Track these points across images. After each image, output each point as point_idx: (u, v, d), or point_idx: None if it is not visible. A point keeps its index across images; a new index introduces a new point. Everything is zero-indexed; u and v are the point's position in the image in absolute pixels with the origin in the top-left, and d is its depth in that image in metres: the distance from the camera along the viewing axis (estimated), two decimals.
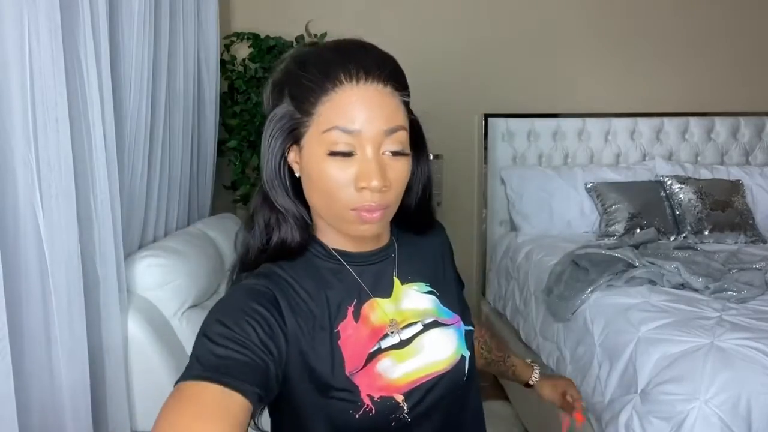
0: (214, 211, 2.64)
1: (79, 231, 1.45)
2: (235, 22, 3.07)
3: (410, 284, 0.90)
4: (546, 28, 3.30)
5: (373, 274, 0.86)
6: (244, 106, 2.74)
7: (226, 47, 2.87)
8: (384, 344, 0.82)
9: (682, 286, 2.12)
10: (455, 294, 0.96)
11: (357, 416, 0.77)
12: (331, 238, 0.85)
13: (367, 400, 0.77)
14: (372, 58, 0.76)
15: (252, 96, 2.75)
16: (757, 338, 1.68)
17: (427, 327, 0.86)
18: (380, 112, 0.74)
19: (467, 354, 0.88)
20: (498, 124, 3.25)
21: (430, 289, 0.91)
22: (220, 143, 2.71)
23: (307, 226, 0.85)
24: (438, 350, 0.85)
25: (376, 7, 3.13)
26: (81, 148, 1.50)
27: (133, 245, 1.91)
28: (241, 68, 2.89)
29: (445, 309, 0.90)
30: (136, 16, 1.80)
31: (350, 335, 0.81)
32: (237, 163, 2.79)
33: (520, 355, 2.60)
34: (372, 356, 0.80)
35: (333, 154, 0.74)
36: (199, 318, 1.87)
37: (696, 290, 2.08)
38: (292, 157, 0.80)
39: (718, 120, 3.36)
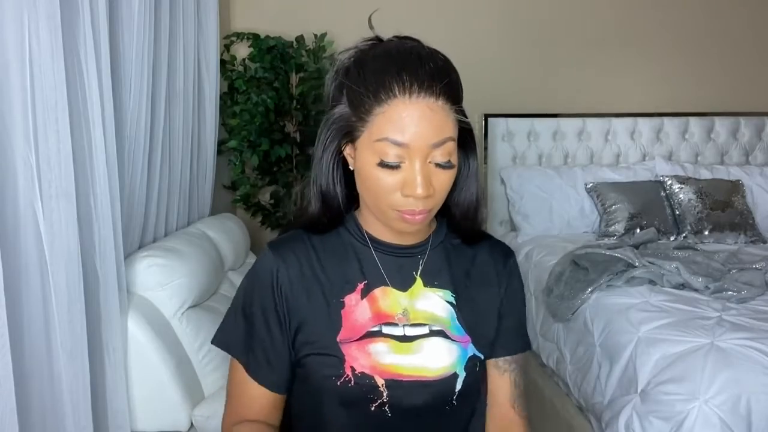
0: (214, 211, 2.64)
1: (79, 231, 1.45)
2: (235, 22, 3.07)
3: (435, 289, 0.91)
4: (546, 29, 3.30)
5: (394, 264, 0.90)
6: (244, 106, 2.74)
7: (226, 47, 2.87)
8: (386, 330, 0.86)
9: (682, 286, 2.12)
10: (483, 321, 0.93)
11: (338, 383, 0.84)
12: (368, 221, 0.92)
13: (348, 371, 0.84)
14: (427, 71, 0.78)
15: (252, 96, 2.74)
16: (757, 338, 1.68)
17: (433, 333, 0.88)
18: (429, 127, 0.78)
19: (462, 373, 0.88)
20: (498, 124, 3.25)
21: (453, 301, 0.91)
22: (220, 143, 2.71)
23: (341, 213, 0.91)
24: (434, 358, 0.87)
25: (376, 6, 3.13)
26: (81, 148, 1.50)
27: (133, 245, 1.91)
28: (241, 68, 2.89)
29: (459, 326, 0.90)
30: (136, 16, 1.80)
31: (354, 308, 0.87)
32: (237, 163, 2.79)
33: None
34: (370, 335, 0.86)
35: (381, 165, 0.79)
36: (199, 318, 1.87)
37: (696, 290, 2.08)
38: (347, 151, 0.86)
39: (718, 120, 3.36)
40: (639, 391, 1.70)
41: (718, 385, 1.56)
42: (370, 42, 0.86)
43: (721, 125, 3.36)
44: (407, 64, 0.78)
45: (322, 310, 0.87)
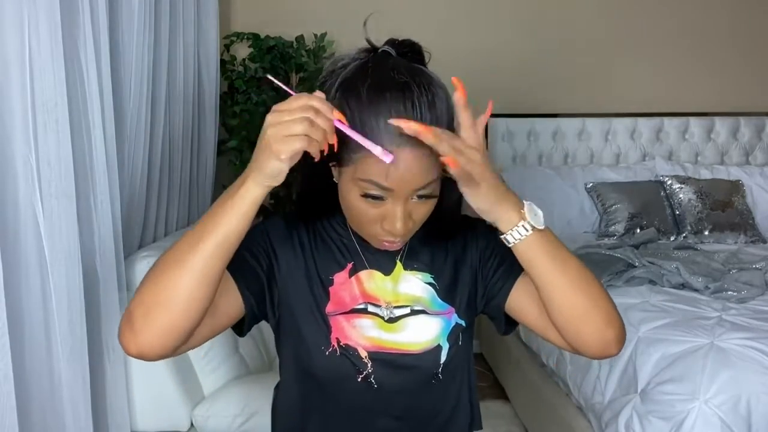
0: None
1: (79, 231, 1.45)
2: (235, 22, 3.07)
3: (414, 272, 0.93)
4: (546, 29, 3.30)
5: (376, 250, 0.91)
6: (244, 106, 2.74)
7: (226, 47, 2.87)
8: (371, 309, 0.90)
9: (682, 286, 2.12)
10: (463, 288, 0.94)
11: (327, 353, 0.87)
12: None
13: (334, 342, 0.87)
14: (416, 119, 0.74)
15: (252, 96, 2.74)
16: (757, 338, 1.68)
17: (414, 312, 0.91)
18: (413, 175, 0.77)
19: (445, 345, 0.90)
20: (498, 124, 3.25)
21: (432, 281, 0.93)
22: (220, 143, 2.71)
23: (324, 210, 0.92)
24: (417, 333, 0.90)
25: (376, 6, 3.13)
26: (81, 148, 1.50)
27: (133, 245, 1.91)
28: (241, 68, 2.89)
29: (440, 301, 0.93)
30: (136, 16, 1.80)
31: (342, 286, 0.91)
32: (237, 163, 2.79)
33: (519, 352, 2.61)
34: (356, 311, 0.89)
35: (365, 196, 0.79)
36: None
37: (696, 290, 2.08)
38: (334, 168, 0.84)
39: (718, 120, 3.36)
40: (639, 391, 1.70)
41: (718, 385, 1.56)
42: (363, 55, 0.84)
43: (721, 125, 3.36)
44: (395, 111, 0.75)
45: (313, 282, 0.90)
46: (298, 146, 0.69)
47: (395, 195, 0.78)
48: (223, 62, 2.77)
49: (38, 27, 1.29)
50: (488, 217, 0.80)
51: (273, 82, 0.78)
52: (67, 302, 1.40)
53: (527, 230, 0.78)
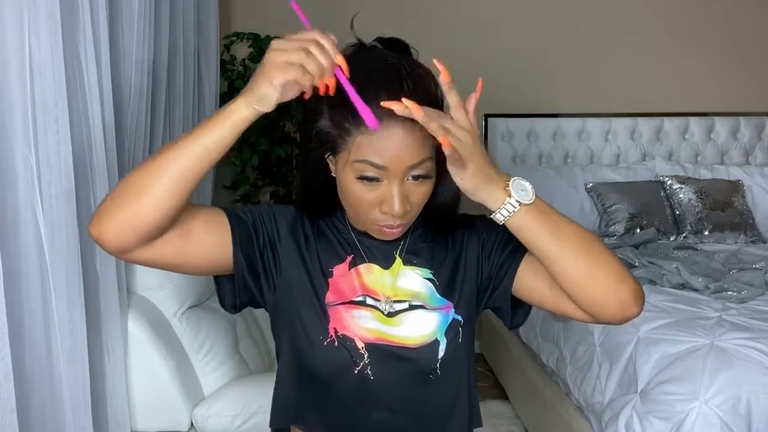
0: None
1: (79, 231, 1.45)
2: (235, 22, 3.07)
3: (414, 267, 0.94)
4: (545, 28, 3.30)
5: (374, 244, 0.93)
6: None
7: (226, 47, 2.87)
8: (370, 302, 0.91)
9: (682, 286, 2.12)
10: (463, 285, 0.94)
11: (325, 343, 0.88)
12: (352, 218, 0.95)
13: (332, 332, 0.89)
14: (405, 95, 0.76)
15: None
16: (757, 338, 1.68)
17: (412, 308, 0.92)
18: (407, 150, 0.79)
19: (443, 340, 0.91)
20: (498, 124, 3.25)
21: (431, 277, 0.94)
22: None
23: (326, 207, 0.94)
24: (414, 328, 0.91)
25: (376, 7, 3.14)
26: (81, 148, 1.50)
27: None
28: (241, 68, 2.89)
29: (439, 297, 0.93)
30: (136, 16, 1.80)
31: (341, 278, 0.92)
32: (237, 163, 2.79)
33: (519, 352, 2.61)
34: (355, 303, 0.91)
35: (361, 178, 0.81)
36: (199, 318, 1.87)
37: (696, 290, 2.08)
38: (329, 158, 0.87)
39: (718, 120, 3.36)
40: (639, 391, 1.70)
41: (718, 385, 1.56)
42: (351, 48, 0.86)
43: (721, 125, 3.36)
44: (385, 88, 0.78)
45: (314, 273, 0.92)
46: (291, 75, 0.71)
47: (390, 174, 0.80)
48: (223, 62, 2.76)
49: (38, 27, 1.29)
50: (476, 198, 0.81)
51: (294, 10, 0.81)
52: (67, 302, 1.40)
53: (515, 206, 0.79)
